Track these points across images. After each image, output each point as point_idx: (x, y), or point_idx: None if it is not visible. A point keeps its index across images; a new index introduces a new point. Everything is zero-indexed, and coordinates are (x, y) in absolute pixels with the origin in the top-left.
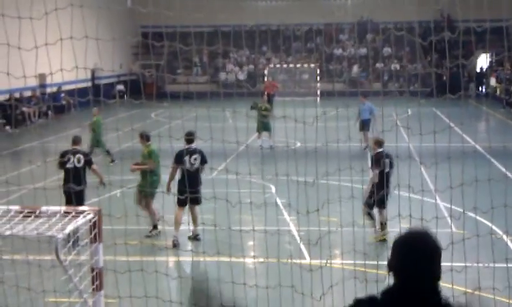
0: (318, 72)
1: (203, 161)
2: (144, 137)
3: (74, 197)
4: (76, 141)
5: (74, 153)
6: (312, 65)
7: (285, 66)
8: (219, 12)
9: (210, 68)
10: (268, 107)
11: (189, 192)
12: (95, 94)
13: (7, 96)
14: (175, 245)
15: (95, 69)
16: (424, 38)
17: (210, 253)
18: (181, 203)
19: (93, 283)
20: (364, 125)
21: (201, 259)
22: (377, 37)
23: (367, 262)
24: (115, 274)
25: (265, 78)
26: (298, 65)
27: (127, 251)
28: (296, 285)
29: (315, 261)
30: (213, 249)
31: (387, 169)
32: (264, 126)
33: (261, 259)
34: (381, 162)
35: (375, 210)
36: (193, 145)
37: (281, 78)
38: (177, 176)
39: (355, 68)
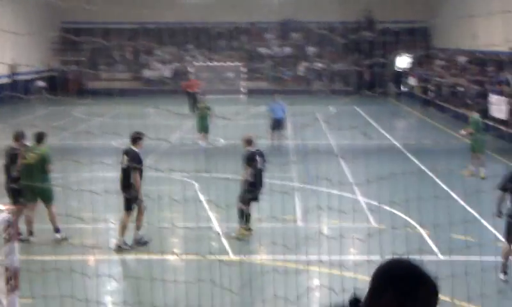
0: (243, 70)
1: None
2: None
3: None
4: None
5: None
6: (237, 63)
7: (209, 64)
8: (143, 8)
9: (133, 65)
10: (209, 107)
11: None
12: (14, 90)
13: None
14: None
15: (13, 65)
16: (346, 37)
17: (130, 251)
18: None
19: (7, 283)
20: (277, 124)
21: (120, 257)
22: (301, 36)
23: (287, 256)
24: (29, 273)
25: (189, 77)
26: (223, 63)
27: (42, 250)
28: (216, 280)
29: (235, 257)
30: (133, 246)
31: (260, 167)
32: (203, 127)
33: (183, 256)
34: (255, 160)
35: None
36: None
37: (206, 76)
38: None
39: (301, 68)
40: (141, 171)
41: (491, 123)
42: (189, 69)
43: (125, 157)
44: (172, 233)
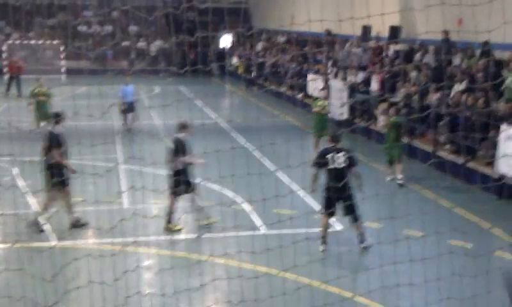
0: (62, 49)
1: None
2: None
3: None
4: None
5: None
6: (55, 42)
7: (26, 42)
8: None
9: None
10: (47, 92)
11: None
12: None
13: None
14: None
15: None
16: (168, 17)
17: None
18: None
19: None
20: (129, 108)
21: None
22: (123, 15)
23: (100, 240)
24: None
25: (6, 56)
26: (40, 42)
27: None
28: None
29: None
30: None
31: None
32: (44, 115)
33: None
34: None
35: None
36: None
37: (22, 55)
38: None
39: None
40: None
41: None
42: (2, 47)
43: None
44: None
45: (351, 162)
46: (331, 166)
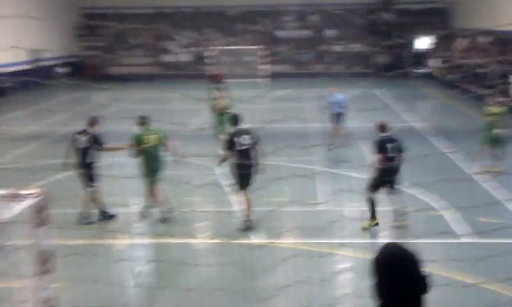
0: (262, 54)
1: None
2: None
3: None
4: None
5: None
6: (255, 47)
7: (228, 48)
8: None
9: (152, 50)
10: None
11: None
12: (36, 77)
13: None
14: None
15: (35, 51)
16: (365, 19)
17: (157, 235)
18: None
19: (39, 267)
20: (337, 117)
21: (145, 241)
22: (319, 19)
23: (310, 241)
24: (62, 257)
25: (209, 62)
26: (241, 47)
27: (73, 234)
28: (240, 264)
29: (260, 241)
30: (160, 230)
31: (390, 155)
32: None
33: (208, 240)
34: (385, 147)
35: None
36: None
37: (225, 60)
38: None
39: (321, 51)
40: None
41: None
42: (208, 53)
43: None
44: (194, 217)
45: None
46: None
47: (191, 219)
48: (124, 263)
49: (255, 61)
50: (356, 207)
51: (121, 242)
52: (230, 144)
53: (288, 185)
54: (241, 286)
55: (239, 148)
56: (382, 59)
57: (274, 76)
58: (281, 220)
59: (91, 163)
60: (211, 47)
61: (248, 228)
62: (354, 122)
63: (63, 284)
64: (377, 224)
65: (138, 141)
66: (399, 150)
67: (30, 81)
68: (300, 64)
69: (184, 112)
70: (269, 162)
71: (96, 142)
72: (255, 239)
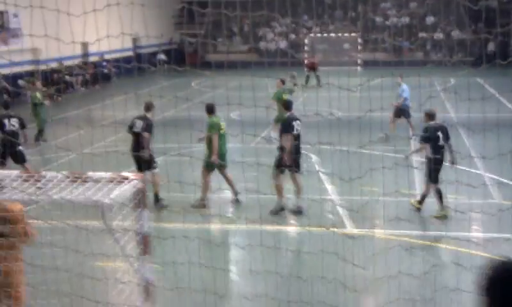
0: (359, 41)
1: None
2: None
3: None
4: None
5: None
6: (353, 34)
7: (325, 35)
8: None
9: (251, 37)
10: (292, 89)
11: None
12: (138, 63)
13: (52, 65)
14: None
15: (136, 38)
16: (471, 4)
17: (251, 221)
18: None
19: (138, 248)
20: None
21: (244, 226)
22: (419, 5)
23: (410, 232)
24: (160, 240)
25: (307, 49)
26: (339, 34)
27: (171, 218)
28: (338, 253)
29: (357, 230)
30: (254, 216)
31: (440, 143)
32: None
33: (304, 227)
34: (435, 136)
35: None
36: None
37: (322, 47)
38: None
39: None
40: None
41: None
42: (305, 41)
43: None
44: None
45: None
46: None
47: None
48: (221, 248)
49: (351, 49)
50: (456, 200)
51: (216, 227)
52: (288, 128)
53: (384, 174)
54: (341, 275)
55: (295, 132)
56: (486, 47)
57: (371, 64)
58: (380, 210)
59: (148, 148)
60: (310, 35)
61: (298, 211)
62: (457, 112)
63: (161, 267)
64: (445, 216)
65: (216, 127)
66: (447, 138)
67: (133, 67)
68: (398, 51)
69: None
70: (367, 151)
71: (147, 129)
72: (352, 229)
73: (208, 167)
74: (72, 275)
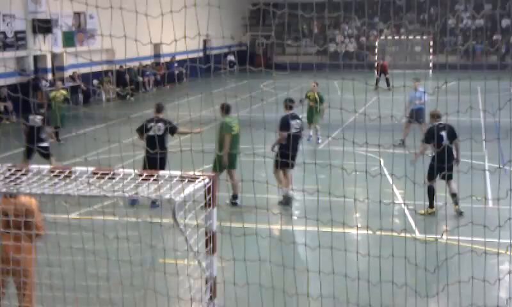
0: (431, 44)
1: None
2: (224, 109)
3: (158, 163)
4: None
5: (157, 121)
6: (425, 37)
7: (396, 38)
8: None
9: (319, 40)
10: (316, 98)
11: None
12: (206, 64)
13: (125, 65)
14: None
15: (206, 40)
16: None
17: (320, 222)
18: (282, 166)
19: (206, 246)
20: (414, 115)
21: (315, 228)
22: (495, 9)
23: (484, 239)
24: (230, 237)
25: (377, 51)
26: (410, 37)
27: (242, 216)
28: (408, 258)
29: (427, 236)
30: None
31: (445, 142)
32: (310, 117)
33: (370, 231)
34: (438, 135)
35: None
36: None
37: (393, 50)
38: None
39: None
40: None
41: None
42: (376, 43)
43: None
44: (354, 208)
45: None
46: None
47: (350, 209)
48: (290, 247)
49: (422, 51)
50: None
51: (282, 227)
52: (287, 126)
53: (457, 180)
54: (410, 280)
55: (293, 130)
56: None
57: (442, 67)
58: (449, 217)
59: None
60: (380, 37)
61: (287, 202)
62: None
63: (225, 264)
64: (433, 212)
65: (228, 128)
66: (453, 137)
67: (202, 68)
68: (471, 55)
69: (349, 101)
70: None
71: (170, 129)
72: (419, 234)
73: (216, 167)
74: (143, 270)
